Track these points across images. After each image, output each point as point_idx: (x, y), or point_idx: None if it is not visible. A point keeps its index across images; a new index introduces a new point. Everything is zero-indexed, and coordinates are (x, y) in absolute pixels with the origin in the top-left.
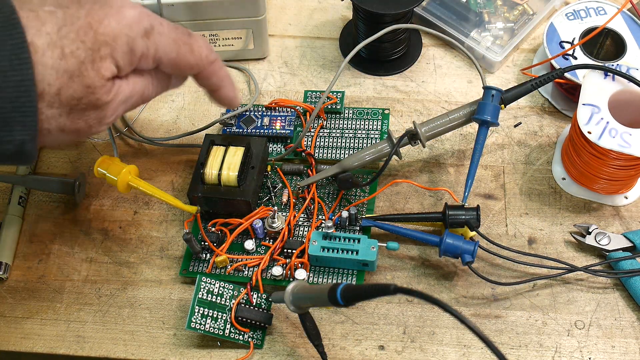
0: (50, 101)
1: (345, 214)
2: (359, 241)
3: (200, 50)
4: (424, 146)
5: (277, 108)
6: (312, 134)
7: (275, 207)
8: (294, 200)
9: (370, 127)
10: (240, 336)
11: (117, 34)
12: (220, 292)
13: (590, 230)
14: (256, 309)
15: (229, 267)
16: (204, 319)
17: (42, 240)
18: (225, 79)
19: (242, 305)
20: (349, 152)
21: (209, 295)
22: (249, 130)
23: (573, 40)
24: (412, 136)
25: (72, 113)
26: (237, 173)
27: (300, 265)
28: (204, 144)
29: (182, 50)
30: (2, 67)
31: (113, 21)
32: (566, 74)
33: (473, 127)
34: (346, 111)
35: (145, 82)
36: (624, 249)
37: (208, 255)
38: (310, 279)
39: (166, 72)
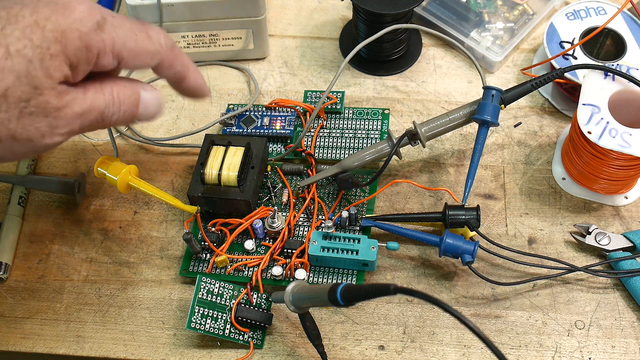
0: None
1: (345, 214)
2: (359, 241)
3: (157, 37)
4: (424, 146)
5: (277, 108)
6: (312, 134)
7: (275, 207)
8: (294, 200)
9: (370, 127)
10: (240, 336)
11: (66, 29)
12: (220, 292)
13: (590, 230)
14: (256, 309)
15: (229, 267)
16: (204, 319)
17: (42, 240)
18: (189, 65)
19: (242, 305)
20: (349, 152)
21: (209, 295)
22: (249, 130)
23: (573, 40)
24: (412, 136)
25: (22, 118)
26: (237, 173)
27: (300, 265)
28: (204, 144)
29: (139, 38)
30: None
31: (61, 17)
32: (566, 74)
33: (473, 127)
34: (346, 111)
35: (107, 100)
36: (624, 249)
37: (208, 255)
38: (310, 279)
39: (128, 67)
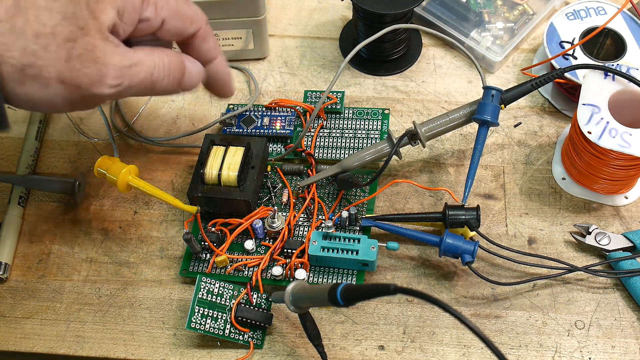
0: (46, 43)
1: (345, 214)
2: (359, 241)
3: (195, 7)
4: (424, 146)
5: (277, 108)
6: (312, 134)
7: (275, 207)
8: (294, 200)
9: (370, 127)
10: (240, 336)
11: None
12: (220, 292)
13: (590, 230)
14: (256, 309)
15: (229, 267)
16: (204, 319)
17: (42, 240)
18: (219, 48)
19: (242, 305)
20: (349, 152)
21: (209, 295)
22: (249, 130)
23: (573, 40)
24: (412, 136)
25: (70, 60)
26: (237, 173)
27: (300, 265)
28: (204, 144)
29: (179, 2)
30: None
31: None
32: (566, 74)
33: (473, 127)
34: (346, 111)
35: (156, 62)
36: (624, 249)
37: (208, 255)
38: (310, 279)
39: (170, 32)
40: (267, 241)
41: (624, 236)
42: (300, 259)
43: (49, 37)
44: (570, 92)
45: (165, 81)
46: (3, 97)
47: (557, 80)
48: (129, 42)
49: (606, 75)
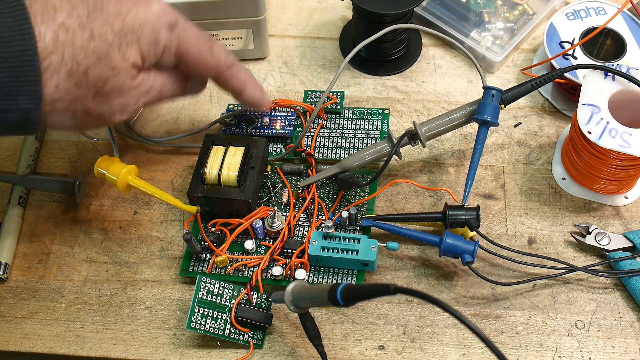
0: (78, 81)
1: (345, 214)
2: (359, 241)
3: (219, 53)
4: (424, 146)
5: (277, 108)
6: (312, 134)
7: (275, 207)
8: (294, 200)
9: (370, 127)
10: (240, 336)
11: (143, 22)
12: (220, 292)
13: (590, 230)
14: (256, 309)
15: (229, 267)
16: (204, 319)
17: (42, 240)
18: (247, 82)
19: (242, 305)
20: (349, 152)
21: (209, 295)
22: (249, 130)
23: (573, 40)
24: (412, 136)
25: (98, 96)
26: (237, 173)
27: (300, 265)
28: (204, 144)
29: (202, 49)
30: (4, 37)
31: (141, 11)
32: (566, 74)
33: (473, 127)
34: (346, 111)
35: (164, 80)
36: (624, 249)
37: (208, 255)
38: (310, 279)
39: (185, 71)
40: (267, 241)
41: (624, 236)
42: (300, 259)
43: (81, 75)
44: (570, 92)
45: (170, 93)
46: (41, 118)
47: (557, 80)
48: None
49: (606, 75)
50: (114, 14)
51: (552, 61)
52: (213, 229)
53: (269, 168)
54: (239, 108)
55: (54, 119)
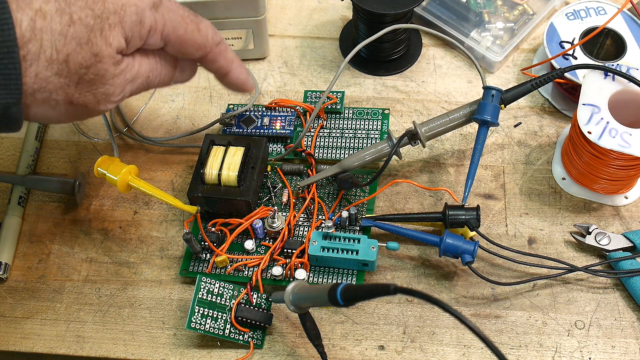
0: (59, 69)
1: (345, 214)
2: (359, 241)
3: (206, 30)
4: (424, 146)
5: (277, 108)
6: (312, 134)
7: (275, 207)
8: (294, 200)
9: (370, 127)
10: (240, 336)
11: (125, 3)
12: (220, 292)
13: (590, 230)
14: (256, 309)
15: (229, 267)
16: (204, 319)
17: (42, 240)
18: (233, 61)
19: (242, 305)
20: (349, 152)
21: (209, 295)
22: (249, 130)
23: (573, 40)
24: (412, 136)
25: (81, 84)
26: (237, 173)
27: (300, 265)
28: (204, 144)
29: (189, 27)
30: None
31: None
32: (566, 74)
33: (473, 127)
34: (346, 111)
35: (151, 65)
36: (624, 249)
37: (208, 255)
38: (310, 279)
39: (173, 52)
40: (267, 241)
41: (624, 236)
42: (300, 259)
43: (62, 63)
44: (570, 92)
45: (157, 80)
46: (22, 113)
47: (557, 80)
48: None
49: (606, 75)
50: None
51: (552, 61)
52: (213, 229)
53: (269, 168)
54: (239, 108)
55: (35, 111)
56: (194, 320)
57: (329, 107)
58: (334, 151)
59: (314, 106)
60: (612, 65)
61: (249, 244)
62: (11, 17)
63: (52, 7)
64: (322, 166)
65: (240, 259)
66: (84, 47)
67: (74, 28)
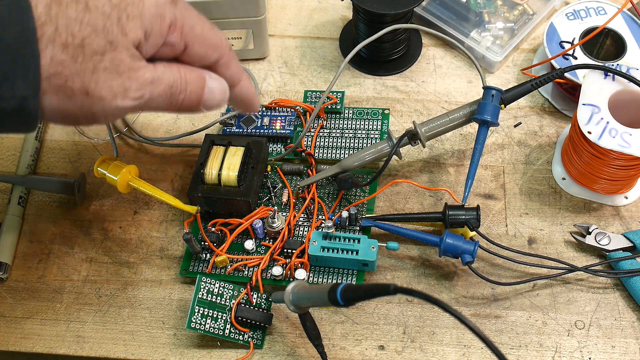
0: (74, 53)
1: (345, 214)
2: (359, 241)
3: (219, 32)
4: (424, 146)
5: (277, 108)
6: (312, 134)
7: (275, 207)
8: (294, 200)
9: (370, 127)
10: (240, 336)
11: None
12: (220, 292)
13: (590, 230)
14: (256, 309)
15: (229, 267)
16: (204, 319)
17: (42, 240)
18: (243, 73)
19: (242, 305)
20: (349, 152)
21: (209, 295)
22: (249, 130)
23: (573, 40)
24: (412, 136)
25: (96, 72)
26: (237, 173)
27: (300, 265)
28: (204, 144)
29: (205, 26)
30: (3, 17)
31: None
32: (566, 74)
33: (473, 127)
34: (346, 111)
35: (174, 75)
36: (624, 249)
37: (208, 255)
38: (310, 279)
39: (192, 55)
40: (267, 241)
41: (624, 236)
42: (300, 259)
43: (77, 48)
44: (570, 92)
45: (183, 95)
46: (39, 108)
47: (557, 80)
48: (150, 60)
49: (606, 75)
50: None
51: (552, 61)
52: (213, 229)
53: (269, 168)
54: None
55: (51, 99)
56: (194, 320)
57: (329, 107)
58: (334, 151)
59: (314, 106)
60: (612, 65)
61: (249, 244)
62: (29, 6)
63: None
64: (322, 166)
65: (240, 259)
66: (99, 33)
67: (89, 15)
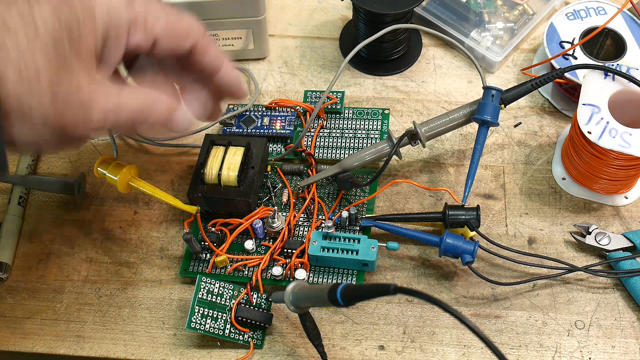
0: (29, 86)
1: (345, 214)
2: (359, 241)
3: (188, 17)
4: (424, 146)
5: (277, 108)
6: (312, 134)
7: (275, 207)
8: (294, 200)
9: (370, 127)
10: (240, 336)
11: (95, 5)
12: (220, 292)
13: (590, 230)
14: (256, 309)
15: (229, 267)
16: (204, 319)
17: (42, 240)
18: (223, 58)
19: (242, 305)
20: (349, 152)
21: (209, 295)
22: (249, 130)
23: (573, 40)
24: (412, 136)
25: (55, 103)
26: (237, 173)
27: (300, 265)
28: (204, 144)
29: (171, 16)
30: None
31: None
32: (566, 74)
33: (473, 127)
34: (346, 111)
35: (138, 101)
36: (624, 249)
37: (208, 255)
38: (310, 279)
39: (163, 49)
40: (267, 241)
41: (624, 236)
42: (300, 259)
43: (32, 80)
44: (570, 92)
45: (148, 122)
46: (4, 140)
47: (557, 80)
48: (128, 63)
49: (606, 75)
50: (60, 3)
51: (552, 61)
52: (213, 229)
53: (269, 168)
54: (239, 108)
55: (14, 132)
56: (194, 320)
57: (329, 107)
58: (334, 151)
59: (314, 106)
60: (612, 65)
61: (249, 244)
62: None
63: (16, 21)
64: (322, 166)
65: (240, 259)
66: (53, 61)
67: (40, 42)
